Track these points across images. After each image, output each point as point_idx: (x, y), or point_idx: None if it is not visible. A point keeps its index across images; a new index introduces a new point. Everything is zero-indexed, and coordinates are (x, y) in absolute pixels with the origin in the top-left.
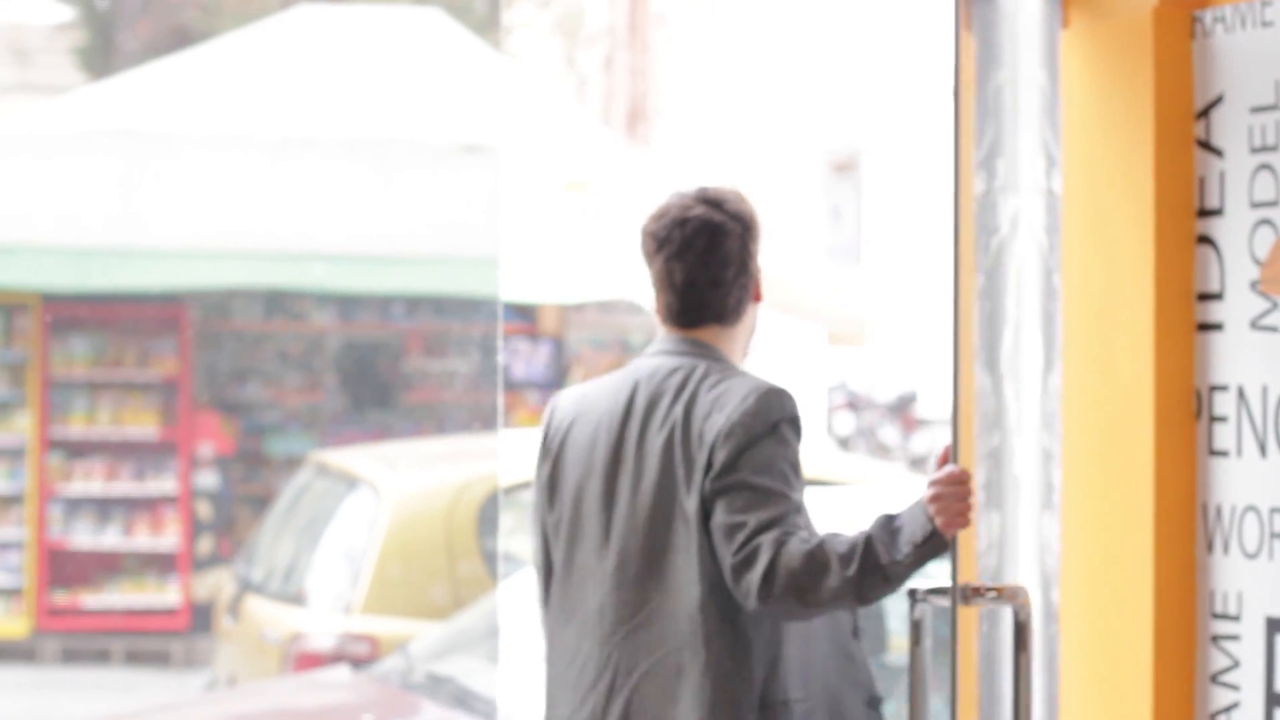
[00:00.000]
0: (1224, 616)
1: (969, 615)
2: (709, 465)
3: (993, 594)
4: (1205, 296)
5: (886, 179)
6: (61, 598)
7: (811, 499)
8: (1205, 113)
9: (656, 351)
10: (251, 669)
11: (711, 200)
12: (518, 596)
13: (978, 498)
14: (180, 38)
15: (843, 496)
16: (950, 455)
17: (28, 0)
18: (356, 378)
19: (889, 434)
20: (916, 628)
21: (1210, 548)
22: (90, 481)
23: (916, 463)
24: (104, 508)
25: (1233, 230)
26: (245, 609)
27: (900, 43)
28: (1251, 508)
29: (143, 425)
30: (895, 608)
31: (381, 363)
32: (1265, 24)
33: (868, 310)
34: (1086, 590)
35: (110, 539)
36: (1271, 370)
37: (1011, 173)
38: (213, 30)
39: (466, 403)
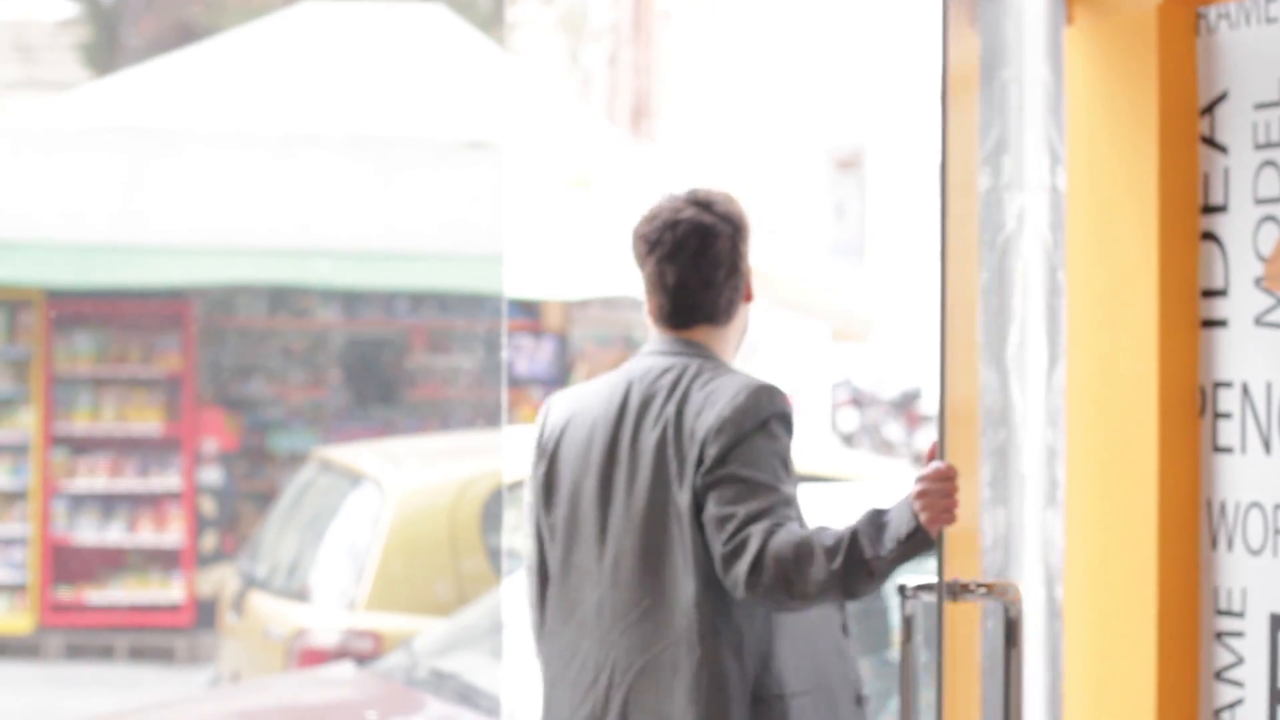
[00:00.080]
0: (1228, 613)
1: (959, 611)
2: (700, 460)
3: (982, 590)
4: (1209, 293)
5: (890, 176)
6: (65, 594)
7: (815, 495)
8: (1209, 109)
9: (650, 352)
10: (255, 665)
11: (701, 202)
12: (522, 593)
13: (983, 494)
14: (184, 34)
15: (847, 493)
16: (937, 452)
17: None
18: (360, 374)
19: (893, 430)
20: (908, 624)
21: (1214, 544)
22: (94, 477)
23: (920, 459)
24: (108, 504)
25: (1237, 227)
26: (249, 605)
27: (903, 39)
28: (1255, 504)
29: (147, 421)
30: (895, 605)
31: (385, 359)
32: (1270, 20)
33: (871, 307)
34: (1090, 587)
35: (114, 535)
36: (1275, 367)
37: (1017, 170)
38: (217, 26)
39: (470, 399)
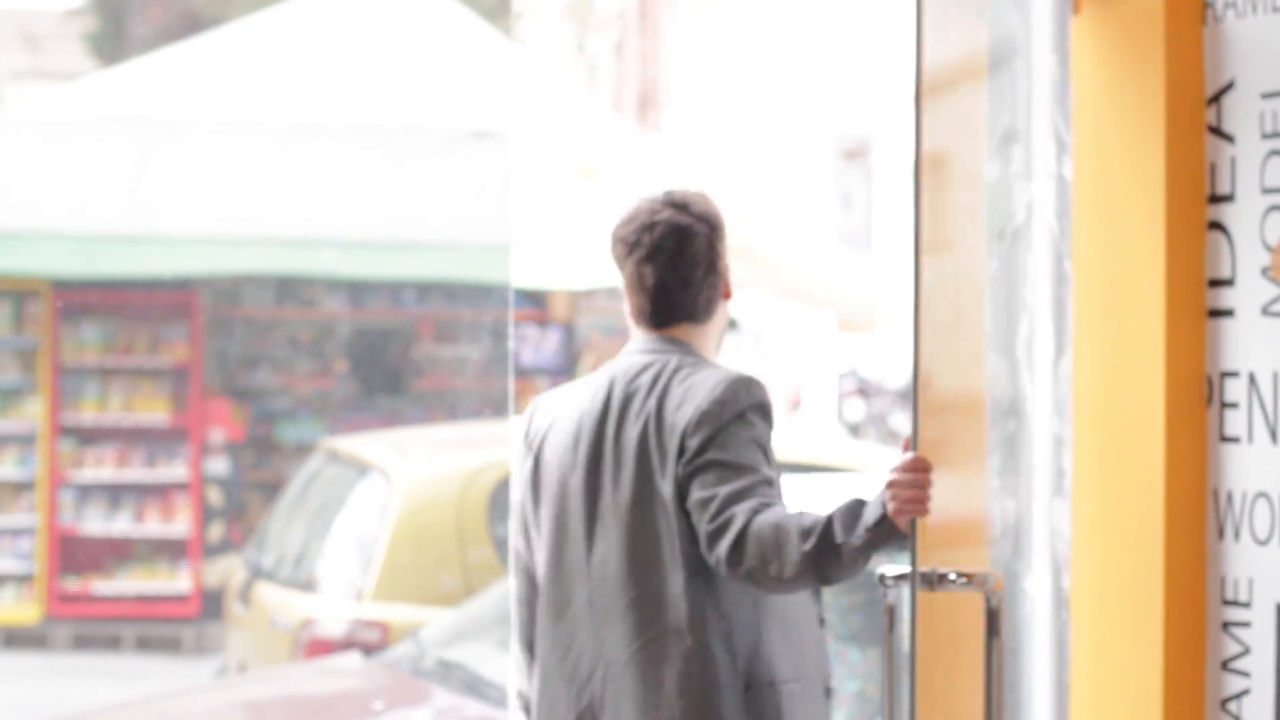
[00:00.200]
0: (1235, 603)
1: (930, 601)
2: (681, 451)
3: (962, 580)
4: (1216, 282)
5: (897, 165)
6: (73, 584)
7: (821, 485)
8: (1216, 98)
9: (631, 351)
10: (262, 655)
11: (677, 203)
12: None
13: (992, 484)
14: (191, 23)
15: (853, 483)
16: (911, 444)
17: None
18: (367, 364)
19: (900, 420)
20: (890, 613)
21: (1221, 534)
22: (101, 468)
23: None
24: (115, 494)
25: (1244, 216)
26: (256, 595)
27: (910, 29)
28: (1262, 494)
29: (154, 411)
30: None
31: (392, 349)
32: (1276, 9)
33: (878, 296)
34: (1097, 576)
35: (121, 525)
36: None
37: (1026, 159)
38: (223, 16)
39: (477, 389)
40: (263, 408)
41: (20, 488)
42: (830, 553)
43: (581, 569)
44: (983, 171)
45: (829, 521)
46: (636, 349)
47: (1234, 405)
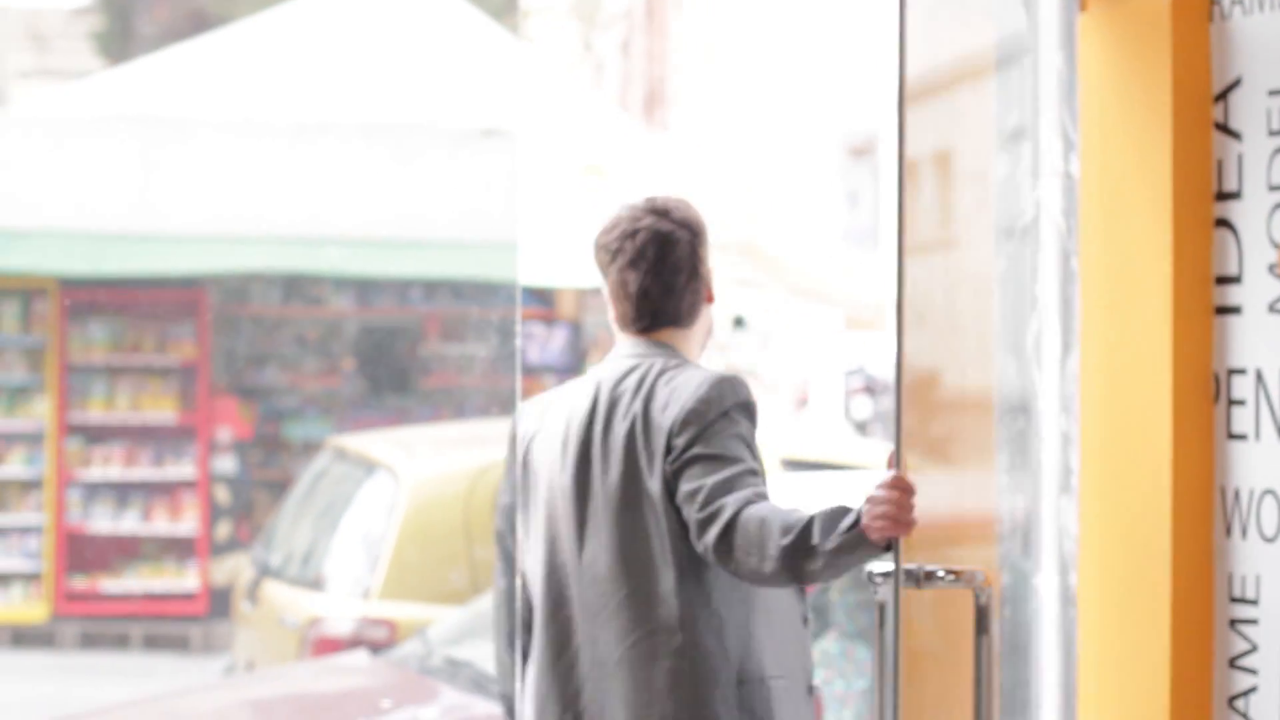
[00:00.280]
0: (1242, 600)
1: (927, 598)
2: (669, 450)
3: (950, 577)
4: (1223, 280)
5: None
6: (80, 582)
7: (829, 482)
8: (1223, 95)
9: (617, 356)
10: (270, 654)
11: (659, 210)
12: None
13: (1001, 481)
14: (198, 22)
15: (859, 481)
16: (895, 460)
17: None
18: (374, 362)
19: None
20: (881, 610)
21: (1228, 531)
22: (109, 466)
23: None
24: (122, 492)
25: (1251, 213)
26: (264, 594)
27: (917, 26)
28: (1270, 491)
29: (161, 410)
30: (915, 594)
31: (399, 347)
32: None
33: (885, 294)
34: (1104, 574)
35: (129, 524)
36: None
37: (1034, 156)
38: (230, 15)
39: (485, 387)
40: (270, 406)
41: (28, 486)
42: (806, 552)
43: (573, 569)
44: (991, 169)
45: (810, 522)
46: (621, 353)
47: (1241, 402)
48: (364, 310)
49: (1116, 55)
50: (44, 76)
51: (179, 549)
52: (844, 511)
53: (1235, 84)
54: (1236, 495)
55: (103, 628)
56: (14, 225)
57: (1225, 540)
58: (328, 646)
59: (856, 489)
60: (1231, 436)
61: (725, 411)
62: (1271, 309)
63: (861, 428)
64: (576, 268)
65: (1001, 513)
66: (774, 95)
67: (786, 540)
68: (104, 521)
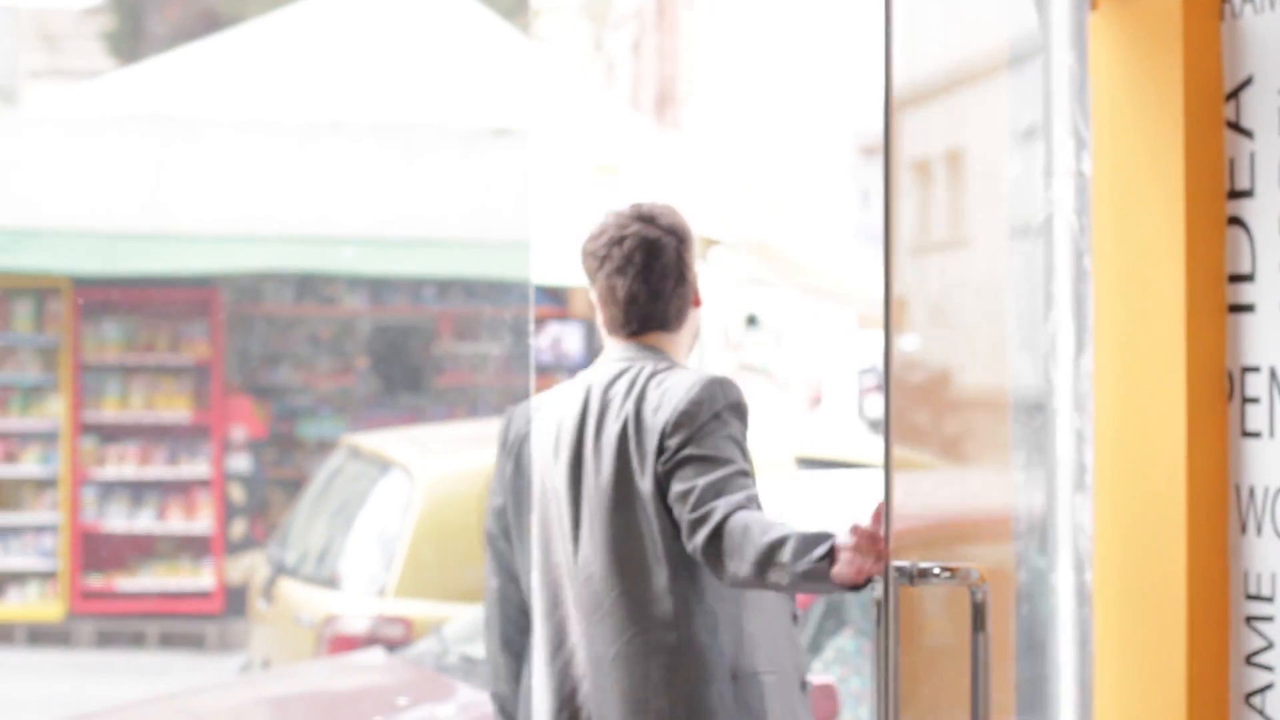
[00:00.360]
0: (1257, 598)
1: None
2: (661, 451)
3: (945, 574)
4: (1236, 278)
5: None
6: (96, 581)
7: (843, 480)
8: (1235, 94)
9: (606, 359)
10: (285, 652)
11: (645, 217)
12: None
13: (1017, 478)
14: (209, 22)
15: (872, 478)
16: (884, 511)
17: None
18: (388, 361)
19: (921, 416)
20: (878, 608)
21: (1243, 529)
22: (123, 465)
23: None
24: (137, 491)
25: (1263, 211)
26: (279, 592)
27: (929, 24)
28: None
29: (175, 409)
30: (929, 590)
31: (413, 346)
32: None
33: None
34: (1119, 572)
35: (144, 522)
36: None
37: (1047, 156)
38: (241, 14)
39: (498, 385)
40: (284, 405)
41: (43, 485)
42: (776, 568)
43: (568, 568)
44: (1004, 168)
45: (785, 539)
46: (611, 357)
47: (1255, 400)
48: (377, 309)
49: (1128, 54)
50: (55, 77)
51: (194, 547)
52: (822, 538)
53: (1247, 82)
54: (1251, 493)
55: (118, 626)
56: (27, 225)
57: (1240, 537)
58: (343, 644)
59: (869, 487)
60: (1245, 434)
61: (717, 413)
62: None
63: (875, 426)
64: None
65: (1019, 510)
66: (785, 94)
67: (760, 547)
68: (119, 520)
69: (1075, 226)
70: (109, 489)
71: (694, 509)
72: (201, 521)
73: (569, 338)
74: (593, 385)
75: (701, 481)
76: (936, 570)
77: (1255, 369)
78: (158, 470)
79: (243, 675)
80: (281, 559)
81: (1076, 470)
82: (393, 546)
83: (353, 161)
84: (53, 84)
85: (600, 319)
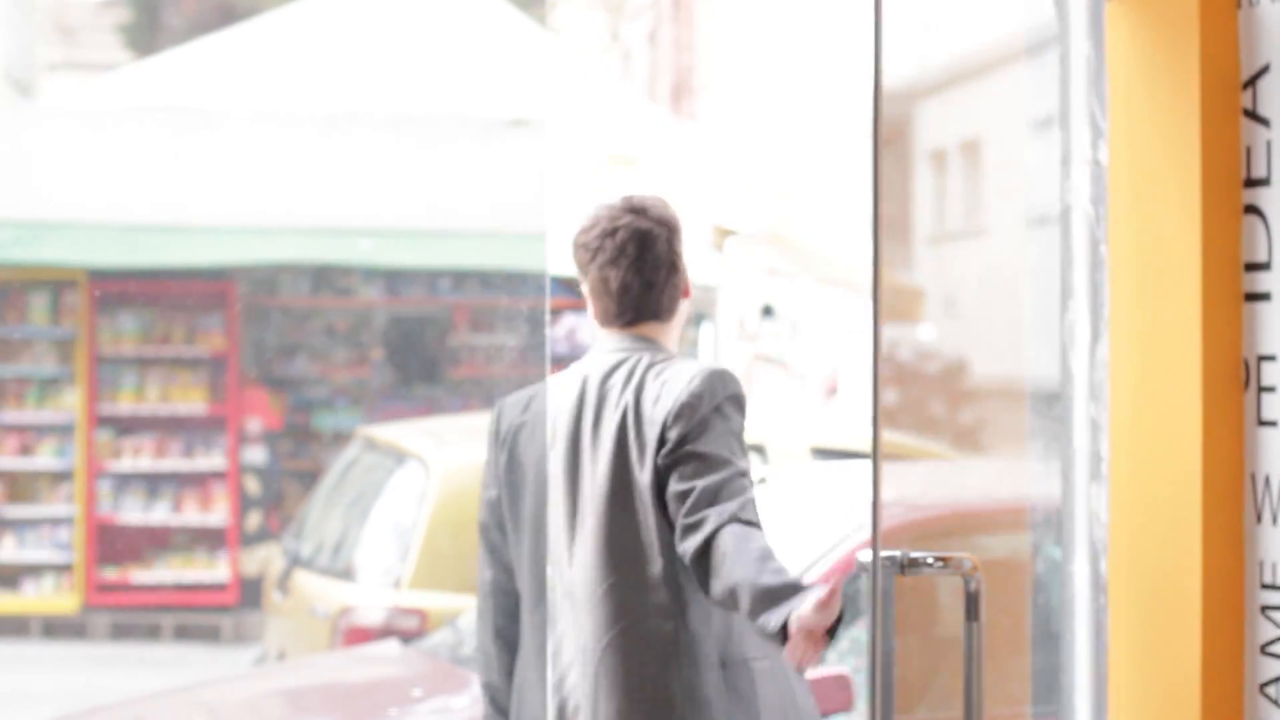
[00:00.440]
0: (1273, 587)
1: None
2: (661, 442)
3: (938, 564)
4: (1252, 266)
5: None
6: (111, 573)
7: (858, 470)
8: (1251, 82)
9: (601, 350)
10: (301, 644)
11: (636, 209)
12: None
13: (1034, 468)
14: (225, 14)
15: (888, 469)
16: (832, 593)
17: None
18: (404, 352)
19: (937, 407)
20: (871, 599)
21: (1259, 518)
22: (139, 458)
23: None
24: (153, 483)
25: None
26: (294, 584)
27: (947, 14)
28: None
29: (191, 401)
30: (944, 581)
31: (429, 337)
32: None
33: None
34: (1134, 561)
35: (159, 515)
36: None
37: (1064, 145)
38: (257, 7)
39: (514, 377)
40: (300, 397)
41: (58, 477)
42: (735, 606)
43: (562, 558)
44: (1021, 157)
45: (745, 586)
46: (606, 348)
47: (1271, 389)
48: (393, 300)
49: (1144, 43)
50: (72, 69)
51: (210, 539)
52: (788, 592)
53: (1263, 70)
54: (1267, 481)
55: (134, 618)
56: (44, 217)
57: (1256, 527)
58: (359, 636)
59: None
60: (1261, 423)
61: (717, 405)
62: None
63: (890, 417)
64: None
65: (1036, 500)
66: (801, 84)
67: (726, 583)
68: (134, 512)
69: (1092, 216)
70: (124, 481)
71: (688, 514)
72: (217, 513)
73: (584, 329)
74: (589, 376)
75: (700, 484)
76: (929, 560)
77: (1271, 358)
78: (173, 462)
79: (258, 667)
80: (297, 551)
81: (1092, 460)
82: (408, 538)
83: (368, 153)
84: (69, 76)
85: (592, 311)
